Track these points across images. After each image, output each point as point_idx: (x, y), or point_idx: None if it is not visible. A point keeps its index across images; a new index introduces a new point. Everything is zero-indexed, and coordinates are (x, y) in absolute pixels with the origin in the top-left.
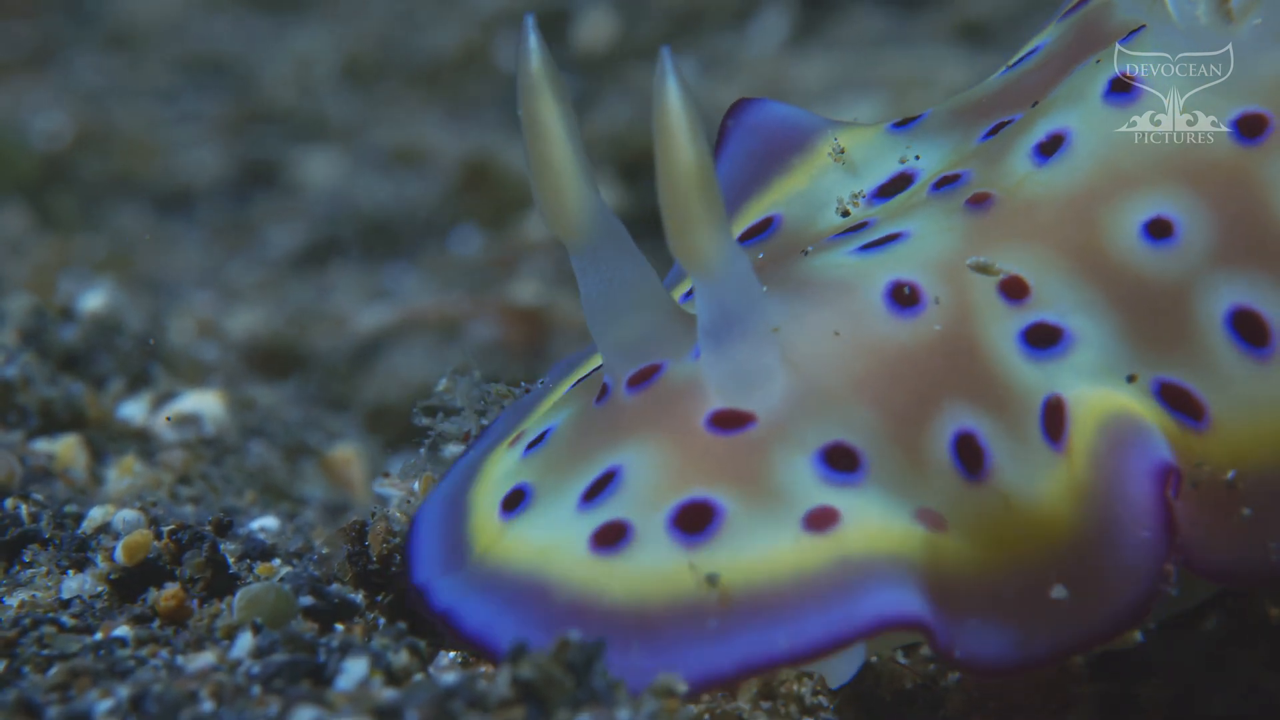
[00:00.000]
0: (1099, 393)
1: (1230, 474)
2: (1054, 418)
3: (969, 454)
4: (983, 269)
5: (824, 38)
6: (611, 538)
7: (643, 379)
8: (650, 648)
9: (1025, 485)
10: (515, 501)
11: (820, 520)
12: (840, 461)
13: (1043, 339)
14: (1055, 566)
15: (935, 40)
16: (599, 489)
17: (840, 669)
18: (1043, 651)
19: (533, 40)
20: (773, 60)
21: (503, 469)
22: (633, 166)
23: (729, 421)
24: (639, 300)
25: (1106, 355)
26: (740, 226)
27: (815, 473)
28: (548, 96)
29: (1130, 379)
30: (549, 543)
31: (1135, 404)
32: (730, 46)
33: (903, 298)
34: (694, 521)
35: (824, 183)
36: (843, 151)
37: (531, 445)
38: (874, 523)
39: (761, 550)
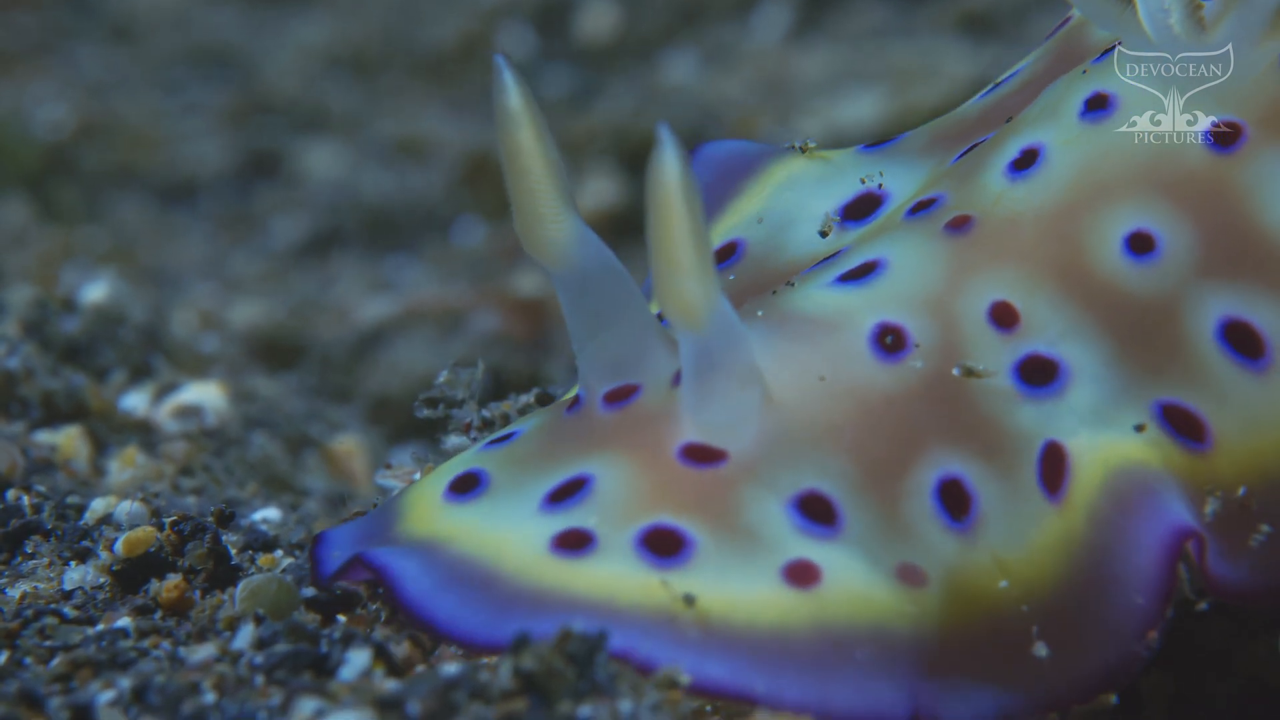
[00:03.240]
0: (1104, 444)
1: (1241, 490)
2: (1053, 466)
3: (954, 500)
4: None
5: (826, 29)
6: (574, 543)
7: (619, 397)
8: (625, 634)
9: (1014, 535)
10: (468, 485)
11: (800, 575)
12: (817, 513)
13: (1037, 375)
14: (1037, 620)
15: (937, 32)
16: (567, 493)
17: None
18: (1019, 709)
19: (508, 75)
20: (774, 52)
21: (454, 459)
22: (634, 157)
23: (700, 455)
24: (621, 319)
25: (1103, 389)
26: None
27: (791, 521)
28: (526, 129)
29: (1139, 428)
30: (503, 535)
31: (1142, 451)
32: (732, 38)
33: (887, 344)
34: (663, 545)
35: (780, 201)
36: (815, 146)
37: (494, 442)
38: (856, 585)
39: (740, 591)
